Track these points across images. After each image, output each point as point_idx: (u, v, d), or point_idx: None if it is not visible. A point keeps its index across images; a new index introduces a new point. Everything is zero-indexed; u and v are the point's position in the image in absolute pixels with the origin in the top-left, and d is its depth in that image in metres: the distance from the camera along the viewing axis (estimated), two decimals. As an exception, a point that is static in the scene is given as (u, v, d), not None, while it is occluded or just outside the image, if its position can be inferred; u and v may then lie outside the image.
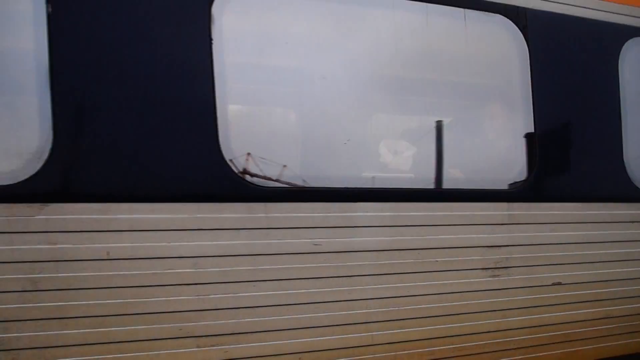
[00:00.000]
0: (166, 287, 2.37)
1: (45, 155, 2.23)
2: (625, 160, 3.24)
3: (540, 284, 3.01)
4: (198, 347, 2.43)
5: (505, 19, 3.06)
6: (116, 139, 2.33)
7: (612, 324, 3.21)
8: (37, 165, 2.22)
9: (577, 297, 3.09)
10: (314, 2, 2.77)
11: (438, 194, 2.91)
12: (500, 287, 2.93)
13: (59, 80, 2.26)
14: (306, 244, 2.58)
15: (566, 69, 3.12)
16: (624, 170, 3.22)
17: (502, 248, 2.91)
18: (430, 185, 2.99)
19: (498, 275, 2.91)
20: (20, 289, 2.18)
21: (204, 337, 2.44)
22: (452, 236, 2.81)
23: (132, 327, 2.33)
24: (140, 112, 2.37)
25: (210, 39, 2.49)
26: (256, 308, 2.51)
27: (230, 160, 2.51)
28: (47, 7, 2.28)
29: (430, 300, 2.79)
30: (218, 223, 2.44)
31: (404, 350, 2.77)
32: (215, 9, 2.52)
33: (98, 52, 2.34)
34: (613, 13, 3.27)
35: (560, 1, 3.17)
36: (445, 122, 3.11)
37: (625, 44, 3.29)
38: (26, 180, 2.20)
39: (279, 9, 2.80)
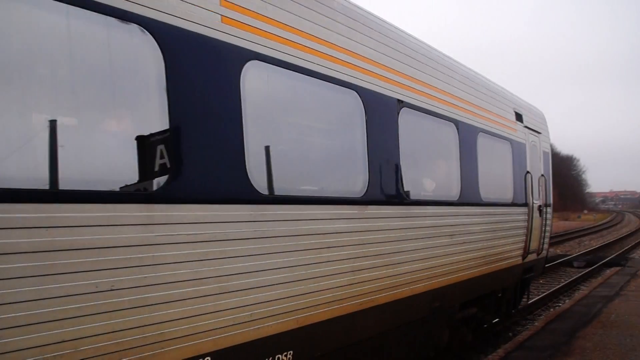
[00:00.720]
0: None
1: (366, 186, 4.98)
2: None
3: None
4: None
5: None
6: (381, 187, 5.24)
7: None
8: (364, 190, 4.96)
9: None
10: None
11: None
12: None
13: (370, 156, 5.04)
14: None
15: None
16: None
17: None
18: None
19: None
20: (359, 248, 4.87)
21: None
22: None
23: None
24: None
25: (398, 134, 5.57)
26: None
27: None
28: (365, 117, 5.01)
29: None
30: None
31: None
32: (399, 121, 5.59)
33: (384, 144, 5.20)
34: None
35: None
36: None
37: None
38: (361, 196, 4.92)
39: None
